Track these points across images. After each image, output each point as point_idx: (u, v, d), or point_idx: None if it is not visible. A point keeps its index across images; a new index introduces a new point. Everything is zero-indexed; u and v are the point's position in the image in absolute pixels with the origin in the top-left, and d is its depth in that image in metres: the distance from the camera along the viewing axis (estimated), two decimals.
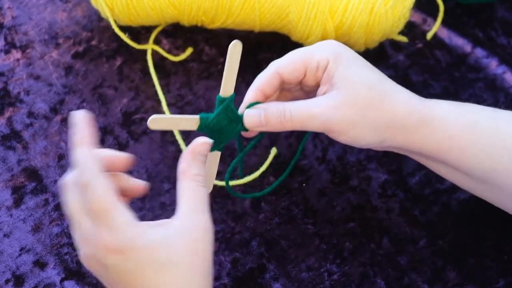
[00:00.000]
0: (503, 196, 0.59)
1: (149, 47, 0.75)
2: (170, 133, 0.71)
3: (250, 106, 0.57)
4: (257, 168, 0.70)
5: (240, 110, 0.57)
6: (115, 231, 0.49)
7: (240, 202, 0.69)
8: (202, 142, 0.55)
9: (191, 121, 0.55)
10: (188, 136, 0.71)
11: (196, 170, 0.53)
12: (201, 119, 0.55)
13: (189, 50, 0.76)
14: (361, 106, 0.55)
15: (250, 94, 0.58)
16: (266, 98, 0.58)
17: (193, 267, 0.50)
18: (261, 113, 0.56)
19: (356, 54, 0.58)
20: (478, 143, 0.57)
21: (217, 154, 0.57)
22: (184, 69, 0.75)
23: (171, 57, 0.75)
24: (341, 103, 0.55)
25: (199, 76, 0.75)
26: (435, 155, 0.58)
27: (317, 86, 0.59)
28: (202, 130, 0.56)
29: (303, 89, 0.61)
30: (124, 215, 0.49)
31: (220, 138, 0.56)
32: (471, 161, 0.57)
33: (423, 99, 0.58)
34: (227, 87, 0.56)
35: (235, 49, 0.55)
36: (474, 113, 0.58)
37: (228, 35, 0.77)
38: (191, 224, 0.51)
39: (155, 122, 0.53)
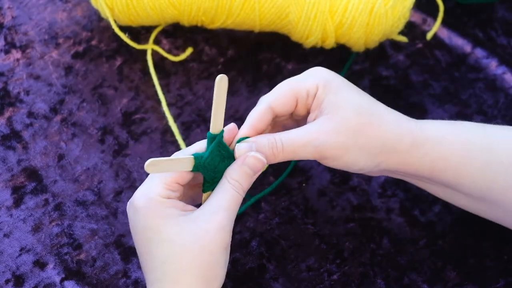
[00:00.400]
0: (501, 213, 0.59)
1: (149, 47, 0.75)
2: (170, 133, 0.71)
3: (240, 140, 0.56)
4: None
5: (231, 146, 0.56)
6: (144, 188, 0.54)
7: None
8: (254, 155, 0.55)
9: (186, 162, 0.54)
10: (189, 135, 0.71)
11: (236, 176, 0.54)
12: (195, 158, 0.54)
13: (189, 50, 0.76)
14: (352, 132, 0.55)
15: (243, 132, 0.56)
16: (258, 134, 0.57)
17: (187, 251, 0.51)
18: (252, 146, 0.55)
19: (346, 81, 0.58)
20: (473, 162, 0.57)
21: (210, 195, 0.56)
22: (184, 69, 0.75)
23: (171, 57, 0.75)
24: (332, 128, 0.55)
25: (199, 76, 0.75)
26: (430, 176, 0.58)
27: (308, 114, 0.58)
28: (198, 170, 0.54)
29: (293, 118, 0.61)
30: (163, 180, 0.53)
31: (214, 177, 0.55)
32: (467, 180, 0.57)
33: (415, 120, 0.58)
34: (217, 122, 0.54)
35: (221, 82, 0.53)
36: (467, 131, 0.58)
37: (228, 35, 0.77)
38: (205, 217, 0.52)
39: (153, 166, 0.52)
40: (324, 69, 0.58)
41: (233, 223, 0.53)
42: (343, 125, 0.55)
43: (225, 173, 0.54)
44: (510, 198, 0.57)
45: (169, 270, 0.52)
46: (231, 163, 0.55)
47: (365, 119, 0.55)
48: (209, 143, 0.55)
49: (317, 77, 0.57)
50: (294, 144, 0.55)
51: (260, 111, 0.56)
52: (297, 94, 0.57)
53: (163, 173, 0.54)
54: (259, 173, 0.55)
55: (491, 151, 0.57)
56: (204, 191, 0.56)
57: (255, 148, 0.55)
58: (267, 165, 0.56)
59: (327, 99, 0.56)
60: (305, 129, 0.56)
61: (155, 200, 0.52)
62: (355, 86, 0.58)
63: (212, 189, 0.55)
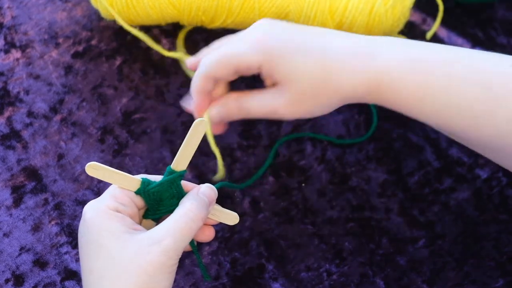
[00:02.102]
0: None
1: (179, 55, 0.73)
2: (170, 132, 0.71)
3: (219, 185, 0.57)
4: (257, 168, 0.70)
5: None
6: (95, 199, 0.52)
7: (240, 201, 0.69)
8: (208, 186, 0.54)
9: (130, 181, 0.53)
10: None
11: (192, 206, 0.52)
12: (142, 183, 0.53)
13: (181, 36, 0.75)
14: (309, 99, 0.57)
15: (199, 107, 0.60)
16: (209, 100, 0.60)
17: (124, 269, 0.49)
18: (221, 111, 0.59)
19: (290, 37, 0.57)
20: (429, 105, 0.55)
21: (151, 223, 0.55)
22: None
23: (166, 53, 0.73)
24: (289, 101, 0.57)
25: None
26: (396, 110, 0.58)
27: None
28: (140, 194, 0.53)
29: None
30: (112, 192, 0.52)
31: (157, 209, 0.54)
32: (427, 118, 0.57)
33: (372, 58, 0.56)
34: (180, 161, 0.53)
35: (199, 127, 0.52)
36: (427, 72, 0.55)
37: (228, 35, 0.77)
38: (152, 239, 0.50)
39: (93, 169, 0.51)
40: (263, 33, 0.57)
41: (181, 250, 0.50)
42: (299, 96, 0.57)
43: (182, 201, 0.53)
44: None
45: (105, 286, 0.50)
46: (177, 204, 0.53)
47: (319, 87, 0.57)
48: (165, 175, 0.54)
49: (258, 50, 0.57)
50: (257, 112, 0.59)
51: (202, 84, 0.59)
52: (237, 67, 0.57)
53: (115, 186, 0.53)
54: (213, 203, 0.54)
55: (450, 93, 0.55)
56: (144, 217, 0.54)
57: (224, 114, 0.59)
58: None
59: (277, 72, 0.57)
60: (266, 98, 0.58)
61: (102, 212, 0.51)
62: (295, 37, 0.58)
63: (153, 219, 0.54)
